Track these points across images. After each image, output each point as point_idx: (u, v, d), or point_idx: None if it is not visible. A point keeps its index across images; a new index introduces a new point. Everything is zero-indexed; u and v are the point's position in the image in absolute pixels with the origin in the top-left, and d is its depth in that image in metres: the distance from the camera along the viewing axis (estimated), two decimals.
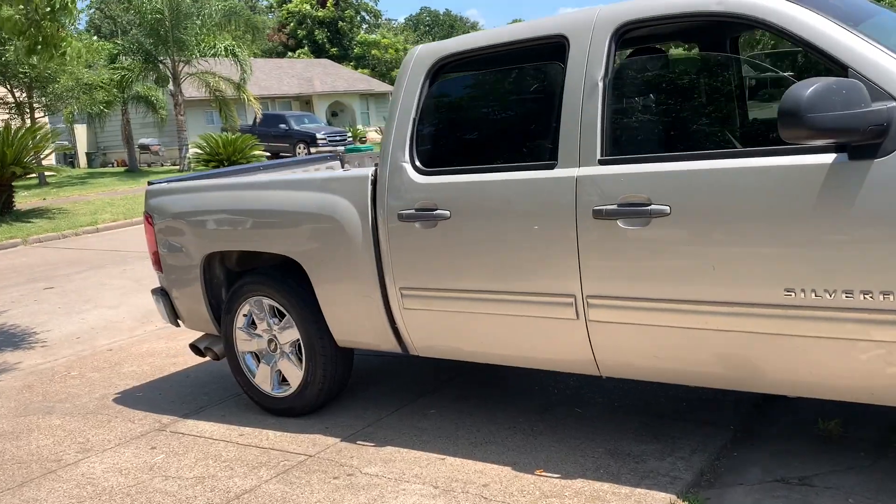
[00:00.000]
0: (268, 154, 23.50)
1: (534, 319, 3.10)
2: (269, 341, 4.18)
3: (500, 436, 3.59)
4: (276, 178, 4.00)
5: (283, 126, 27.57)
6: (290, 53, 42.54)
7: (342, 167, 5.92)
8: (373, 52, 41.47)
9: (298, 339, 4.02)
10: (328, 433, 3.89)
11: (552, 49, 3.08)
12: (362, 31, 45.40)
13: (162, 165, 28.43)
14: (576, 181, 2.90)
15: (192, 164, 22.01)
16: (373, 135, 34.91)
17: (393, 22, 56.11)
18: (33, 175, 18.68)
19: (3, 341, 7.42)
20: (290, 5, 44.54)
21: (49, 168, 19.81)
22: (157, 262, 4.61)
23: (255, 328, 4.25)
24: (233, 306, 4.26)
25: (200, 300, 4.40)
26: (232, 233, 4.14)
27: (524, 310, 3.12)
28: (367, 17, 47.78)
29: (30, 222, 15.68)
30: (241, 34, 23.41)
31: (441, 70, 3.42)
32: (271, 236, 3.94)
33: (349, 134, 29.31)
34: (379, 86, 37.71)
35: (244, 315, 4.26)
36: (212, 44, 22.16)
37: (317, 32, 43.93)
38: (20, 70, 19.01)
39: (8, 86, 19.95)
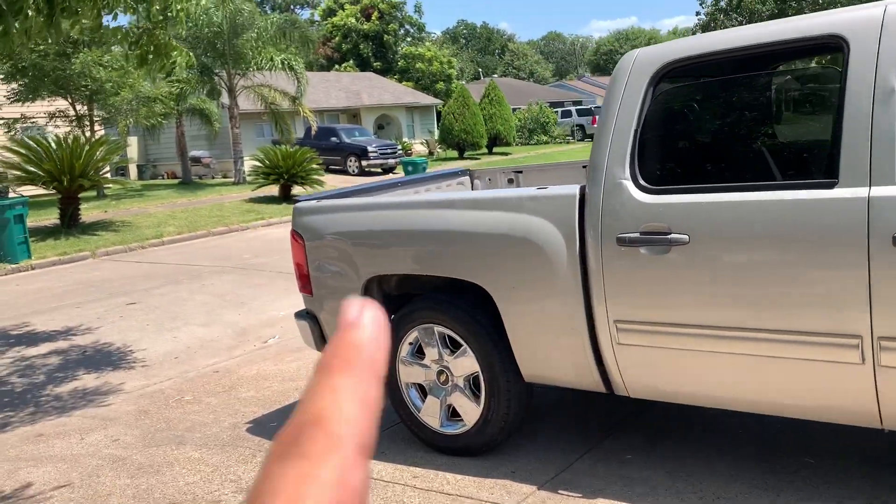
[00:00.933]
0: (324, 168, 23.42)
1: (800, 362, 2.72)
2: (440, 373, 3.84)
3: (730, 490, 3.19)
4: (457, 197, 3.67)
5: (334, 139, 27.44)
6: (335, 67, 42.61)
7: (472, 183, 5.59)
8: (417, 65, 41.35)
9: (477, 372, 3.67)
10: (517, 478, 3.53)
11: (819, 51, 2.70)
12: (406, 45, 45.36)
13: (213, 178, 28.46)
14: (868, 202, 2.51)
15: (249, 177, 21.91)
16: (418, 147, 34.71)
17: (432, 35, 56.03)
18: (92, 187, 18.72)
19: (101, 360, 7.20)
20: (335, 19, 44.63)
21: (109, 180, 19.83)
22: (306, 284, 4.30)
23: (423, 358, 3.91)
24: (397, 333, 3.93)
25: None
26: (403, 255, 3.82)
27: (787, 350, 2.73)
28: (410, 30, 47.77)
29: (96, 235, 15.62)
30: (295, 47, 23.34)
31: (667, 76, 3.07)
32: (453, 260, 3.61)
33: (399, 147, 29.12)
34: (424, 98, 37.55)
35: (410, 343, 3.93)
36: (269, 56, 22.09)
37: (362, 46, 43.96)
38: (82, 83, 19.07)
39: (70, 98, 20.03)
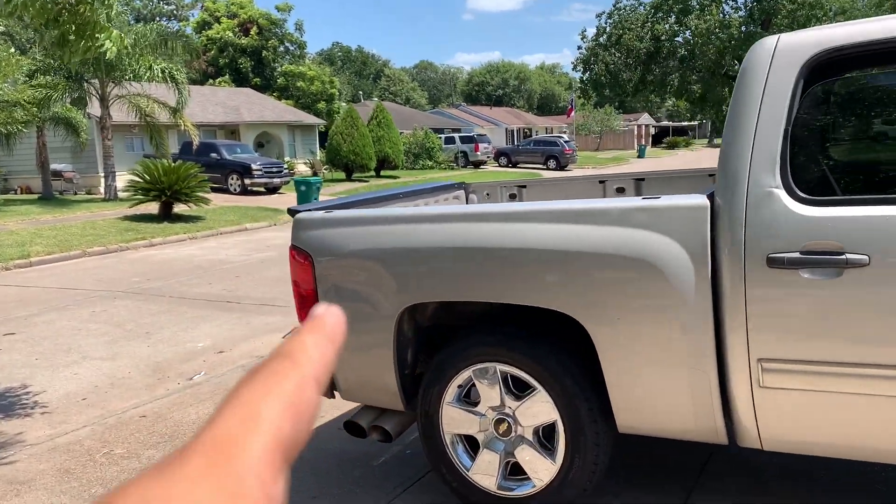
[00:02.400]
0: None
1: None
2: (498, 422, 3.16)
3: None
4: (535, 209, 3.02)
5: (214, 155, 25.79)
6: (209, 81, 40.58)
7: (467, 198, 4.96)
8: (298, 83, 40.12)
9: (553, 421, 3.02)
10: None
11: None
12: (286, 62, 43.97)
13: (76, 194, 26.03)
14: None
15: (124, 193, 20.04)
16: (302, 167, 33.51)
17: (309, 55, 54.87)
18: None
19: None
20: (210, 32, 42.58)
21: None
22: None
23: (475, 404, 3.21)
24: (444, 374, 3.21)
25: (387, 366, 3.32)
26: (458, 279, 3.11)
27: None
28: (291, 48, 46.39)
29: None
30: (177, 58, 21.78)
31: (821, 65, 2.58)
32: (532, 285, 2.94)
33: (286, 166, 27.86)
34: (307, 117, 36.39)
35: (459, 386, 3.22)
36: (148, 65, 20.43)
37: (240, 60, 42.12)
38: None
39: None
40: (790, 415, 2.59)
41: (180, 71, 21.19)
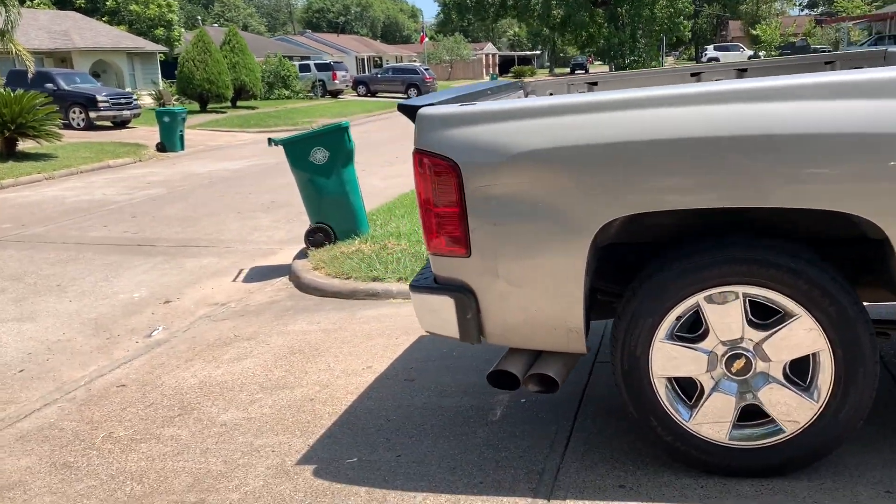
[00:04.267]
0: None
1: None
2: (733, 358, 2.53)
3: None
4: (801, 83, 2.33)
5: (49, 86, 22.56)
6: (26, 3, 35.66)
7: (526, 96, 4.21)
8: (131, 6, 36.15)
9: (816, 353, 2.44)
10: None
11: None
12: None
13: None
14: None
15: None
16: (147, 98, 30.48)
17: None
18: None
19: None
20: None
21: None
22: (457, 238, 2.67)
23: (697, 339, 2.56)
24: (660, 303, 2.52)
25: (570, 298, 2.58)
26: (692, 180, 2.39)
27: None
28: None
29: None
30: None
31: None
32: (806, 181, 2.29)
33: (135, 96, 25.05)
34: (147, 44, 32.96)
35: (677, 318, 2.55)
36: None
37: None
38: None
39: None
40: None
41: None
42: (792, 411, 2.49)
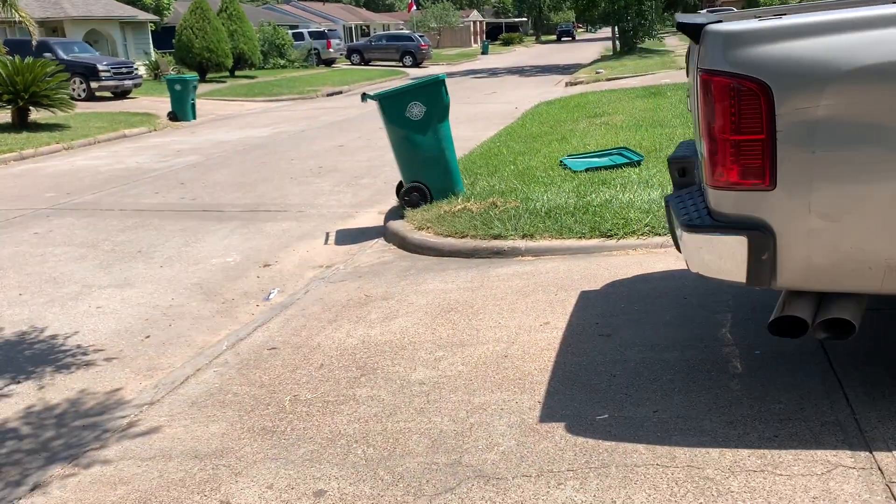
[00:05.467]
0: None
1: None
2: None
3: None
4: None
5: (48, 55, 21.82)
6: None
7: None
8: None
9: None
10: None
11: None
12: None
13: None
14: None
15: None
16: (142, 69, 29.66)
17: None
18: None
19: (13, 362, 4.24)
20: None
21: None
22: (763, 169, 2.42)
23: None
24: None
25: None
26: None
27: None
28: None
29: None
30: None
31: None
32: None
33: (136, 65, 24.32)
34: (139, 13, 31.97)
35: None
36: None
37: None
38: None
39: None
40: None
41: None
42: None
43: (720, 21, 2.53)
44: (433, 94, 6.27)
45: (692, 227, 2.64)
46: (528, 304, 4.25)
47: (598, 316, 3.94)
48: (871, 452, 2.43)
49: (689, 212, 2.75)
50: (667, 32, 39.29)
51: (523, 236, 5.31)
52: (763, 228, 2.49)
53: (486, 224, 5.56)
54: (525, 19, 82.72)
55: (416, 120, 6.27)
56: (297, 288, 5.30)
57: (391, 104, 6.26)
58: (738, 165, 2.47)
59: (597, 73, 22.78)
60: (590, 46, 46.50)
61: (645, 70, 21.67)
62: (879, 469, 2.34)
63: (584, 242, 5.08)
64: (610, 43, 36.02)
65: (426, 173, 6.43)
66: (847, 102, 2.31)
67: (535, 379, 3.29)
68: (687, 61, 3.60)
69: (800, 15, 2.44)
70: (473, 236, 5.48)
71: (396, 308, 4.50)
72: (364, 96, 6.41)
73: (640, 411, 2.89)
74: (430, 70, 33.68)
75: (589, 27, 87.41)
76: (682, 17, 2.72)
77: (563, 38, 71.39)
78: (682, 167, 3.83)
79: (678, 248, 3.10)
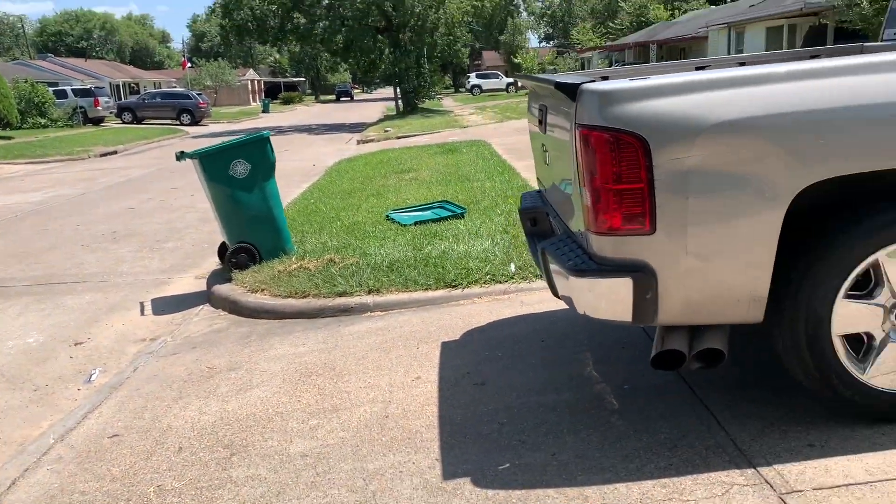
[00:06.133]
0: None
1: None
2: None
3: None
4: None
5: None
6: None
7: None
8: None
9: None
10: None
11: None
12: None
13: None
14: None
15: None
16: None
17: None
18: None
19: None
20: None
21: None
22: (643, 215, 2.62)
23: (872, 294, 2.73)
24: (847, 263, 2.66)
25: (763, 266, 2.64)
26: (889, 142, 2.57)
27: None
28: None
29: None
30: None
31: None
32: None
33: None
34: None
35: (856, 276, 2.70)
36: None
37: None
38: None
39: None
40: None
41: None
42: None
43: (594, 81, 2.72)
44: (258, 151, 6.07)
45: (580, 272, 2.77)
46: (392, 361, 4.18)
47: (467, 365, 3.97)
48: (755, 469, 2.65)
49: (573, 257, 2.89)
50: (442, 93, 41.42)
51: (369, 291, 5.25)
52: (645, 270, 2.67)
53: (329, 282, 5.43)
54: (303, 79, 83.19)
55: (241, 178, 6.03)
56: (123, 366, 4.80)
57: (213, 162, 5.97)
58: (621, 212, 2.64)
59: (385, 131, 23.41)
60: (371, 106, 47.71)
61: (431, 129, 22.64)
62: (769, 483, 2.56)
63: (430, 294, 5.13)
64: (390, 102, 37.29)
65: (254, 233, 6.18)
66: (711, 153, 2.56)
67: (424, 436, 3.23)
68: (533, 113, 3.82)
69: (668, 76, 2.69)
70: (317, 295, 5.32)
71: (248, 378, 4.23)
72: (181, 154, 6.06)
73: (538, 456, 2.94)
74: (210, 128, 32.62)
75: (365, 88, 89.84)
76: (558, 78, 2.89)
77: (342, 98, 72.58)
78: (532, 217, 4.05)
79: (554, 293, 3.23)
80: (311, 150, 19.98)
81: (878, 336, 2.76)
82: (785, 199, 2.57)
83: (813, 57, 4.34)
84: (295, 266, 5.84)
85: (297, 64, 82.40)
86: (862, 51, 4.29)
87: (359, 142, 21.46)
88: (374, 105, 48.95)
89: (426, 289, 5.19)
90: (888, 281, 2.70)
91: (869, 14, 16.30)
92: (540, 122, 3.53)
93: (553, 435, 3.09)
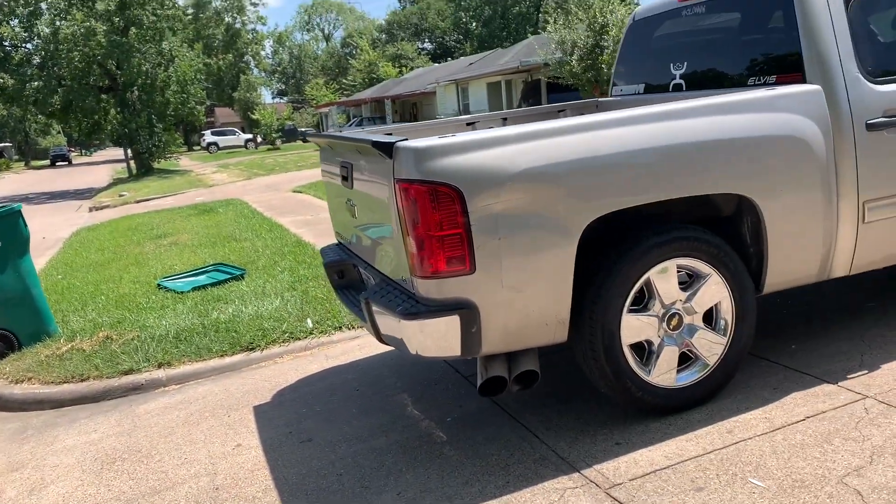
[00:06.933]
0: None
1: None
2: (670, 318, 3.28)
3: None
4: (701, 104, 3.15)
5: None
6: None
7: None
8: None
9: (718, 302, 3.34)
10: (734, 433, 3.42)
11: None
12: None
13: None
14: None
15: None
16: None
17: None
18: None
19: None
20: None
21: None
22: (464, 257, 2.92)
23: (647, 308, 3.25)
24: (628, 282, 3.15)
25: (562, 293, 3.04)
26: (644, 181, 3.08)
27: None
28: None
29: None
30: None
31: None
32: (712, 173, 3.18)
33: None
34: None
35: (634, 294, 3.20)
36: None
37: None
38: None
39: None
40: (881, 240, 3.56)
41: None
42: (712, 347, 3.34)
43: (406, 139, 2.97)
44: (8, 226, 5.52)
45: (410, 315, 2.96)
46: (204, 432, 4.03)
47: (287, 425, 3.95)
48: (580, 472, 3.00)
49: (401, 302, 3.08)
50: (179, 153, 39.75)
51: (160, 365, 4.98)
52: (469, 306, 2.94)
53: (110, 360, 5.06)
54: (9, 144, 74.85)
55: None
56: None
57: None
58: (444, 256, 2.90)
59: (121, 195, 21.97)
60: (95, 170, 44.34)
61: (174, 190, 21.66)
62: (594, 483, 2.91)
63: (228, 360, 5.00)
64: (117, 165, 34.93)
65: (10, 317, 5.57)
66: (515, 198, 2.92)
67: (263, 501, 3.19)
68: (331, 170, 3.99)
69: (475, 132, 3.01)
70: (98, 376, 4.93)
71: (40, 476, 3.82)
72: None
73: (385, 498, 3.04)
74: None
75: (83, 151, 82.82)
76: (373, 137, 3.09)
77: (58, 163, 66.33)
78: (339, 270, 4.19)
79: (380, 339, 3.39)
80: (35, 221, 17.94)
81: (656, 342, 3.27)
82: (575, 234, 3.00)
83: (560, 112, 5.01)
84: (65, 348, 5.36)
85: (1, 128, 74.12)
86: (597, 106, 5.04)
87: (92, 209, 19.89)
88: (98, 168, 45.58)
89: (222, 355, 5.05)
90: (658, 295, 3.23)
91: (578, 71, 18.68)
92: (344, 178, 3.69)
93: (394, 475, 3.22)
